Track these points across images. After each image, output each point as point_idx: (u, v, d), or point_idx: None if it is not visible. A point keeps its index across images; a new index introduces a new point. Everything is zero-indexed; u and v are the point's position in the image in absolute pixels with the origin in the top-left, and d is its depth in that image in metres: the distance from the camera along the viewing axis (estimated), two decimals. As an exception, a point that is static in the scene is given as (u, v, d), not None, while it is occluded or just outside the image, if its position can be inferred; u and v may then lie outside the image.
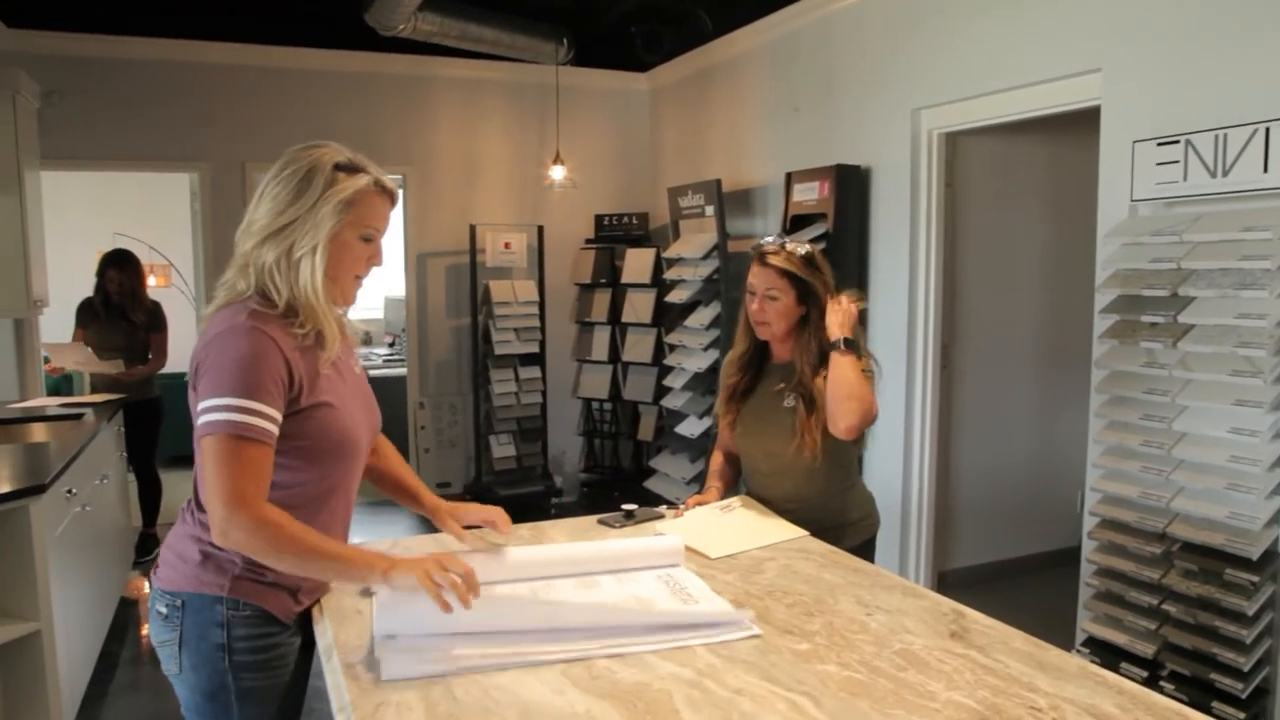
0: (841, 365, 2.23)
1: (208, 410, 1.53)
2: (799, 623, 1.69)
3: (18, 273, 4.40)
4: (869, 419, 2.24)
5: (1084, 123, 3.58)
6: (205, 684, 1.66)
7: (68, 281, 5.16)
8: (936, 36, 4.20)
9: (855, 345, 2.26)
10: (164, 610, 1.67)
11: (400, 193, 6.36)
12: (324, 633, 1.65)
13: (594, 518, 2.37)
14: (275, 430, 1.56)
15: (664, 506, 2.48)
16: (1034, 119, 3.87)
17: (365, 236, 1.67)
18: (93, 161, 5.72)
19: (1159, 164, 3.09)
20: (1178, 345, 2.90)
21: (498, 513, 2.01)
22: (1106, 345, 3.22)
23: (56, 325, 5.34)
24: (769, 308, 2.36)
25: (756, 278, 2.37)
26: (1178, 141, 3.03)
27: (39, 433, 4.15)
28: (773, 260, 2.34)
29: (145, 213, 7.85)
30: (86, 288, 5.11)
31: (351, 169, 1.64)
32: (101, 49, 5.48)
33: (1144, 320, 3.04)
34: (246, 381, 1.53)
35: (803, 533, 2.25)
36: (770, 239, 2.43)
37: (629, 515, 2.35)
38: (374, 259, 1.72)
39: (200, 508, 1.66)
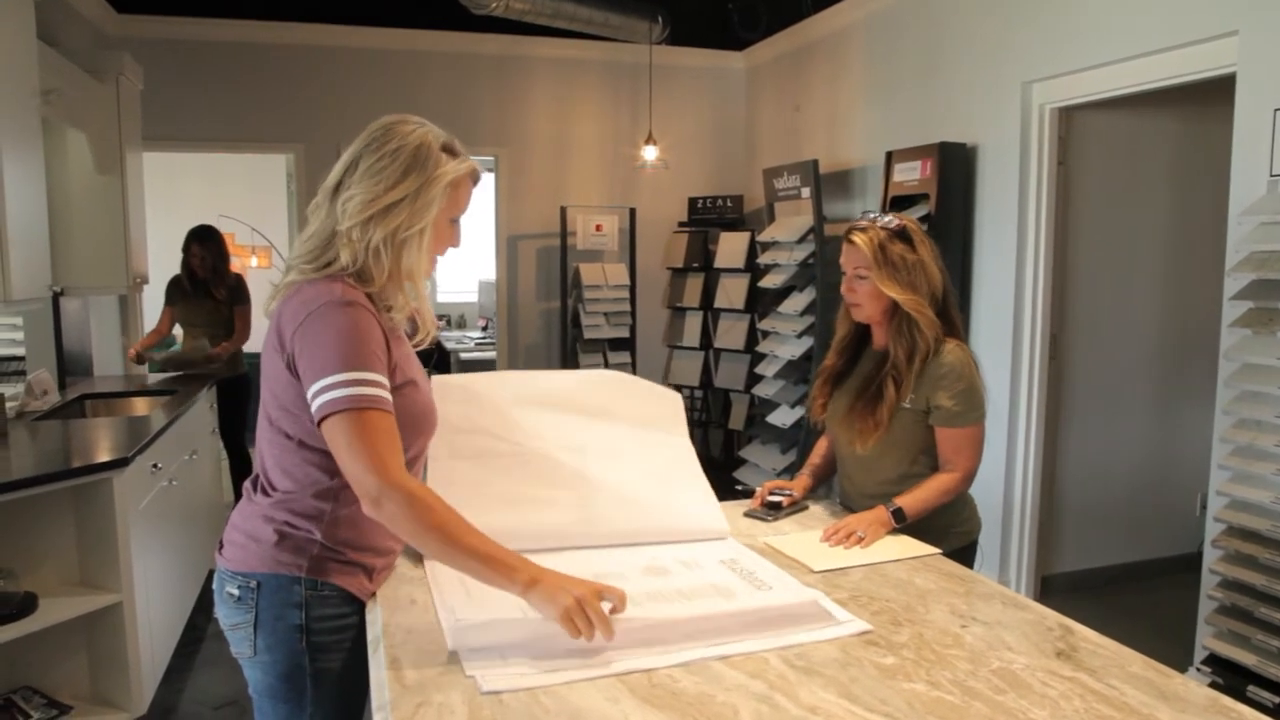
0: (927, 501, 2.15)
1: (325, 390, 1.48)
2: (885, 633, 1.54)
3: (118, 251, 4.50)
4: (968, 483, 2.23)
5: (1215, 92, 3.29)
6: (281, 666, 1.62)
7: (175, 258, 5.23)
8: (1050, 3, 3.92)
9: (900, 513, 2.11)
10: (236, 592, 1.62)
11: (491, 175, 6.41)
12: (374, 622, 1.57)
13: (736, 506, 2.32)
14: (390, 398, 1.53)
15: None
16: (1158, 90, 3.57)
17: (454, 219, 1.68)
18: (192, 143, 5.86)
19: (1304, 135, 2.81)
20: (1322, 336, 2.63)
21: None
22: (1237, 335, 2.95)
23: (160, 302, 5.42)
24: (859, 288, 2.22)
25: (845, 256, 2.25)
26: (1327, 110, 2.74)
27: (134, 407, 4.24)
28: (857, 238, 2.20)
29: (249, 194, 8.01)
30: (188, 264, 5.17)
31: (452, 151, 1.63)
32: (202, 32, 5.60)
33: (1282, 308, 2.77)
34: (359, 354, 1.50)
35: (934, 550, 2.02)
36: (868, 215, 2.27)
37: (774, 508, 2.28)
38: (456, 241, 1.71)
39: (271, 486, 1.63)
